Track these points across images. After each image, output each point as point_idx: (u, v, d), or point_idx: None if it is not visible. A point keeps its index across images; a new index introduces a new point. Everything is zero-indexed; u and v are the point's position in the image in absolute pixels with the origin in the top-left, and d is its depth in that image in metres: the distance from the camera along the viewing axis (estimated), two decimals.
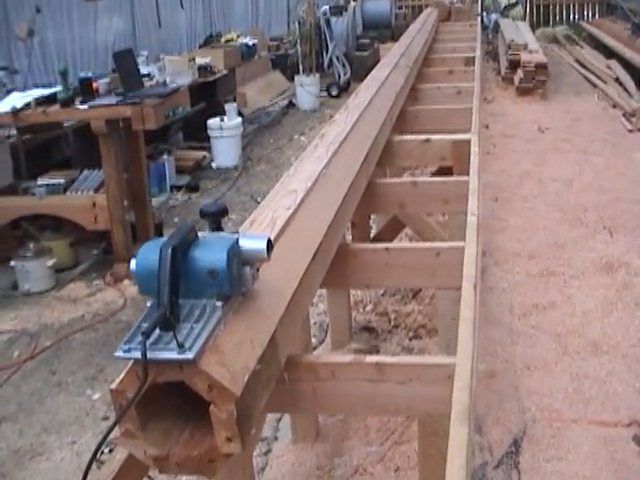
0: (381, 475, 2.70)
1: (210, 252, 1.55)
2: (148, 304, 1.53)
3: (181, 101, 5.21)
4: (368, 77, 4.92)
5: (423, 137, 4.12)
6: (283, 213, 2.16)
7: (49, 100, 4.81)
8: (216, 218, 1.71)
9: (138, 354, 1.38)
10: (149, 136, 5.85)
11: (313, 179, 2.49)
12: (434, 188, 3.36)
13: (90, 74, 5.05)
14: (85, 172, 5.11)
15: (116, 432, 1.47)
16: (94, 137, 4.77)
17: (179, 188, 7.18)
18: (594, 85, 11.35)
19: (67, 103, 4.74)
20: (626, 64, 11.44)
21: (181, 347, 1.39)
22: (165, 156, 7.13)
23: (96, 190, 4.91)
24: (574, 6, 18.98)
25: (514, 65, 11.03)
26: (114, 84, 4.99)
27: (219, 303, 1.53)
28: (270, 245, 1.64)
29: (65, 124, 5.68)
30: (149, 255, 1.55)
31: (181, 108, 6.09)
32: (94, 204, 4.81)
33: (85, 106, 4.66)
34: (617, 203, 5.64)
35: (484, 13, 14.96)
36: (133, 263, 1.57)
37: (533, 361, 3.51)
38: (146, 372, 1.37)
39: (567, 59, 13.93)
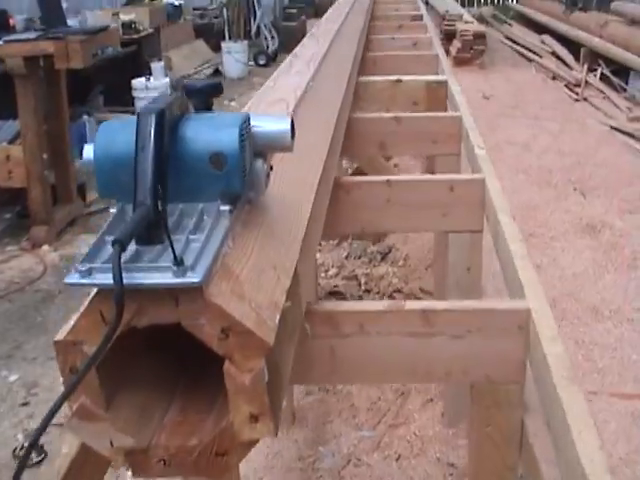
0: (381, 466, 2.18)
1: (213, 128, 1.00)
2: (112, 211, 0.97)
3: (111, 40, 4.55)
4: (314, 29, 4.36)
5: (393, 77, 3.60)
6: None
7: None
8: (205, 98, 1.15)
9: (107, 278, 0.82)
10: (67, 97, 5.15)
11: (301, 89, 1.95)
12: (421, 125, 2.83)
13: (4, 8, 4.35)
14: None
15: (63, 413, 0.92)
16: (9, 80, 4.08)
17: None
18: (529, 59, 11.13)
19: None
20: (560, 38, 11.26)
21: (179, 264, 0.83)
22: (86, 117, 6.44)
23: (10, 142, 4.22)
24: None
25: (449, 36, 10.66)
26: (34, 23, 4.30)
27: (226, 207, 0.98)
28: (293, 128, 1.10)
29: None
30: (116, 134, 0.99)
31: (111, 49, 5.38)
32: (7, 157, 4.12)
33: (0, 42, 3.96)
34: (581, 167, 5.27)
35: None
36: (88, 149, 1.01)
37: None
38: (120, 309, 0.81)
39: (497, 36, 13.70)
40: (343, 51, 2.83)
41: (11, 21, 4.19)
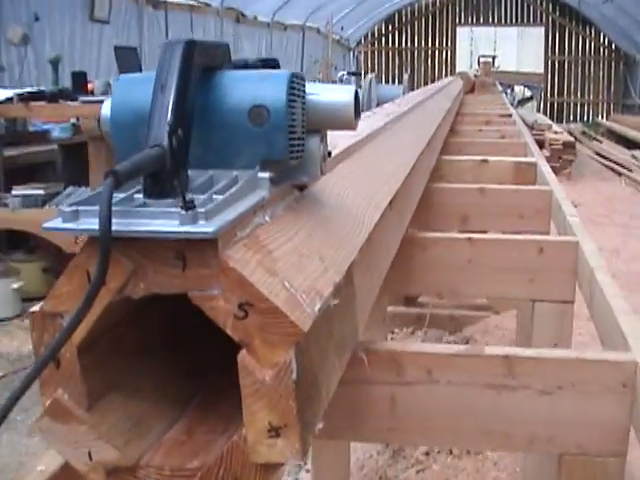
0: None
1: (256, 78, 0.81)
2: None
3: None
4: None
5: (479, 158, 3.41)
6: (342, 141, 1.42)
7: (35, 97, 4.08)
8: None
9: (91, 222, 0.62)
10: None
11: (376, 127, 1.76)
12: (507, 197, 2.61)
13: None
14: (70, 188, 4.33)
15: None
16: (83, 149, 4.04)
17: None
18: (619, 173, 10.87)
19: (55, 98, 3.99)
20: None
21: (189, 207, 0.63)
22: None
23: None
24: (588, 105, 18.71)
25: (538, 145, 10.48)
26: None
27: (264, 174, 0.78)
28: (358, 102, 0.90)
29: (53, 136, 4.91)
30: (136, 86, 0.81)
31: None
32: None
33: (76, 102, 3.92)
34: None
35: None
36: (106, 104, 0.83)
37: None
38: (105, 259, 0.61)
39: (586, 152, 13.49)
40: (429, 111, 2.66)
41: (90, 85, 4.17)
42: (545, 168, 3.12)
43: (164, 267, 0.64)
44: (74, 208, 0.64)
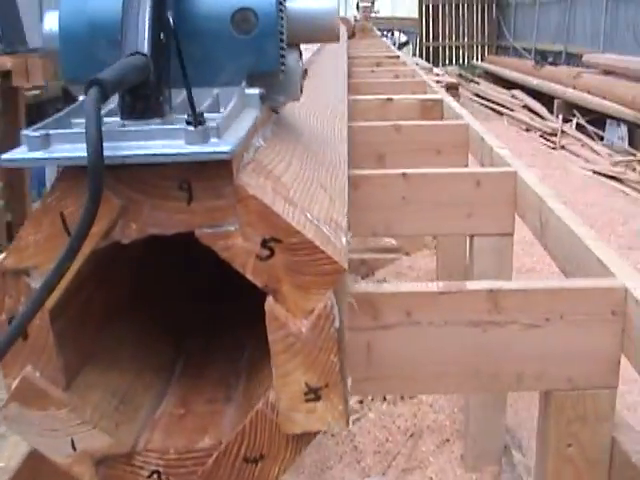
0: None
1: None
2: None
3: None
4: None
5: (384, 96, 3.32)
6: None
7: None
8: None
9: (74, 149, 0.49)
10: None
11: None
12: (423, 133, 2.53)
13: None
14: None
15: None
16: None
17: None
18: (500, 113, 11.07)
19: None
20: (531, 93, 11.27)
21: (199, 122, 0.49)
22: None
23: None
24: (464, 48, 18.96)
25: None
26: None
27: (254, 90, 0.65)
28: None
29: None
30: None
31: None
32: None
33: None
34: (572, 206, 4.99)
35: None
36: (51, 17, 0.68)
37: None
38: (97, 189, 0.47)
39: (465, 94, 13.67)
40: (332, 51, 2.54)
41: None
42: (454, 104, 3.06)
43: (163, 201, 0.51)
44: (43, 132, 0.50)
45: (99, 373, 0.61)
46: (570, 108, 9.02)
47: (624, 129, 7.67)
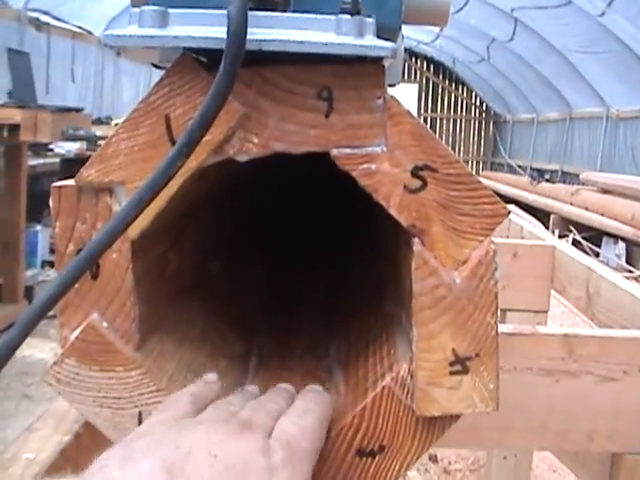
0: None
1: None
2: None
3: (83, 123, 4.13)
4: None
5: None
6: None
7: None
8: None
9: (189, 30, 0.39)
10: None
11: None
12: None
13: None
14: None
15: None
16: None
17: (52, 264, 5.99)
18: None
19: None
20: (527, 209, 11.42)
21: (357, 11, 0.40)
22: (39, 227, 5.98)
23: None
24: None
25: None
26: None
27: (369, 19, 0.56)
28: None
29: None
30: None
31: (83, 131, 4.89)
32: None
33: None
34: None
35: None
36: None
37: None
38: (226, 89, 0.37)
39: None
40: None
41: None
42: None
43: (296, 111, 0.42)
44: (160, 8, 0.41)
45: (173, 343, 0.50)
46: (566, 224, 9.07)
47: (622, 246, 7.69)
